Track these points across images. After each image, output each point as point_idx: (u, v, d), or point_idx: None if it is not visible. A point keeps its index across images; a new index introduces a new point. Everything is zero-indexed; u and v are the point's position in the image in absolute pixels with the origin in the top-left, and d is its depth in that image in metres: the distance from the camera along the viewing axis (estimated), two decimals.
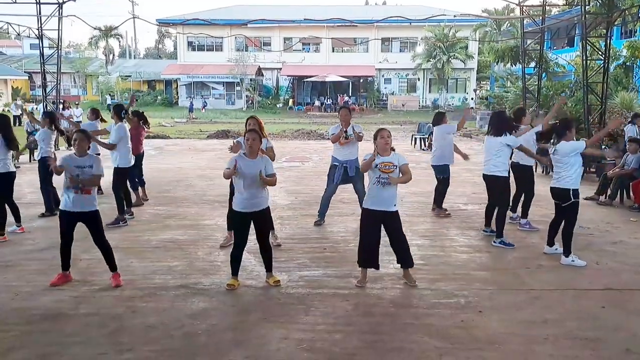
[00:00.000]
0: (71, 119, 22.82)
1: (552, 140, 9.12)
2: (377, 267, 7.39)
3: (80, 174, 7.04)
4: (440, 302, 6.85)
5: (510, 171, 9.66)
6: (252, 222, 7.21)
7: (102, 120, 13.08)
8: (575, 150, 8.12)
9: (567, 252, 8.24)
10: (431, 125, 13.17)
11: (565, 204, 8.25)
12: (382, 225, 7.23)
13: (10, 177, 9.78)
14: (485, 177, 9.62)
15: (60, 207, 7.33)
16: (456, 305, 6.78)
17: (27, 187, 12.99)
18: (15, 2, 22.16)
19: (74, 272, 7.51)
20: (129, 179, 11.78)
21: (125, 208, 10.77)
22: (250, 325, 6.21)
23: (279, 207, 11.82)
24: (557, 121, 8.80)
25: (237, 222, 7.33)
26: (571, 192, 8.17)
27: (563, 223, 8.38)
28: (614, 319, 6.38)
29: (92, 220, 7.29)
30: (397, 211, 7.22)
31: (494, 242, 9.22)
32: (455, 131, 11.30)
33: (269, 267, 7.48)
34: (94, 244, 7.41)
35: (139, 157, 12.36)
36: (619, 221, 11.01)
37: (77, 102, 42.13)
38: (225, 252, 8.32)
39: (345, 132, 9.96)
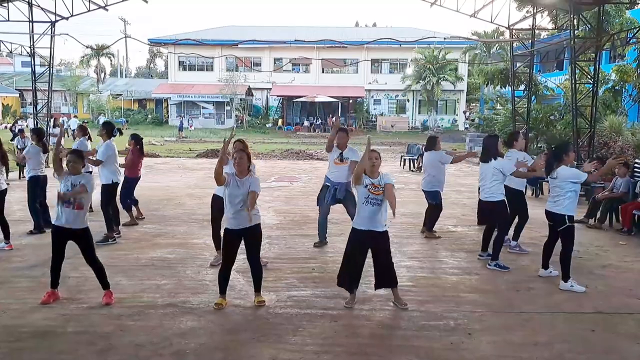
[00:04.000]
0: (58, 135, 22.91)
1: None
2: (356, 287, 7.40)
3: (77, 190, 7.09)
4: (429, 324, 6.84)
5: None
6: (242, 240, 7.22)
7: (89, 138, 13.06)
8: (576, 178, 8.07)
9: (565, 277, 8.18)
10: (421, 147, 13.20)
11: (560, 228, 8.23)
12: (369, 248, 7.23)
13: (1, 195, 9.79)
14: (482, 202, 9.64)
15: (52, 222, 7.30)
16: (445, 327, 6.77)
17: (16, 204, 12.92)
18: (8, 20, 22.17)
19: (62, 290, 7.45)
20: (121, 200, 11.77)
21: (114, 227, 10.73)
22: (239, 345, 6.18)
23: (268, 226, 11.79)
24: (553, 146, 8.76)
25: (227, 240, 7.31)
26: (567, 218, 8.14)
27: (561, 248, 8.32)
28: (603, 343, 6.39)
29: (83, 238, 7.28)
30: (386, 231, 7.20)
31: (489, 264, 9.20)
32: (449, 162, 11.28)
33: (257, 288, 7.46)
34: (83, 262, 7.37)
35: (135, 180, 12.32)
36: (608, 244, 11.05)
37: (76, 115, 43.36)
38: (213, 271, 8.28)
39: (341, 154, 9.96)
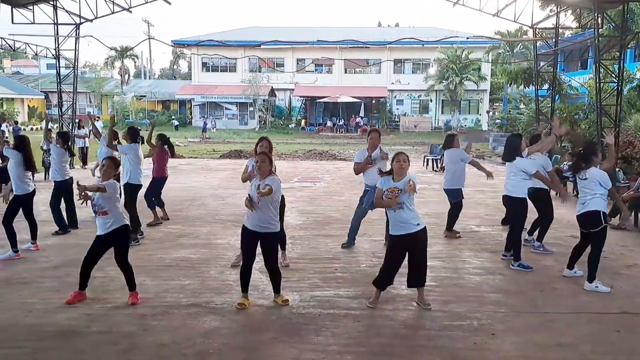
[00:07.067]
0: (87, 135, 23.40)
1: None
2: (385, 287, 7.41)
3: (96, 197, 7.10)
4: (452, 324, 6.81)
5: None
6: (259, 242, 7.25)
7: (119, 142, 13.23)
8: (604, 182, 7.96)
9: (591, 277, 8.07)
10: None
11: (595, 230, 8.06)
12: (406, 250, 7.19)
13: (29, 197, 9.91)
14: (503, 196, 9.63)
15: (97, 233, 7.32)
16: (469, 327, 6.73)
17: (42, 206, 13.04)
18: (34, 23, 22.44)
19: (87, 290, 7.50)
20: (145, 198, 11.90)
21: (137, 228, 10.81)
22: (261, 345, 6.21)
23: (291, 227, 11.81)
24: (581, 149, 8.68)
25: (245, 239, 7.35)
26: (601, 214, 7.99)
27: (589, 248, 8.23)
28: (629, 344, 6.32)
29: (122, 236, 7.34)
30: (423, 228, 7.11)
31: (513, 265, 9.12)
32: (468, 162, 11.18)
33: (276, 290, 7.49)
34: (109, 263, 7.42)
35: (163, 180, 12.49)
36: (633, 244, 10.92)
37: (97, 117, 46.00)
38: (237, 271, 8.28)
39: (370, 156, 9.83)
